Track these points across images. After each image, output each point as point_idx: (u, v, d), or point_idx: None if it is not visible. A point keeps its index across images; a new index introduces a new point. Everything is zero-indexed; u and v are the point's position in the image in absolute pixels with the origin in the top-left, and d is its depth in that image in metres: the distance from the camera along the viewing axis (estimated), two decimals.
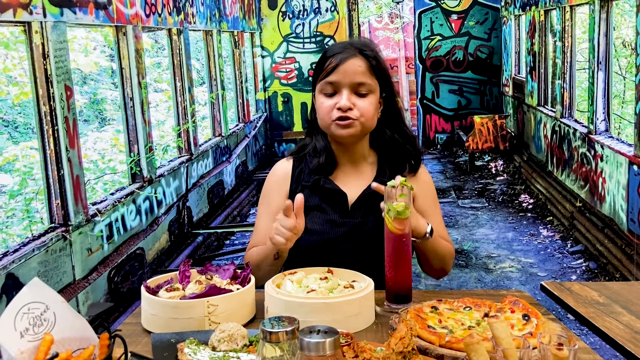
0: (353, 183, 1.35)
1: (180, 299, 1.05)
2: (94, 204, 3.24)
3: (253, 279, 1.15)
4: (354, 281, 1.12)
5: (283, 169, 1.41)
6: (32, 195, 3.40)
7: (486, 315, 1.03)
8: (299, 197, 1.18)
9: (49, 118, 2.84)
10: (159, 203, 4.03)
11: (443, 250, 1.30)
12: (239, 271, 1.17)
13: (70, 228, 2.86)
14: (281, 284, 1.11)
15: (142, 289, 1.08)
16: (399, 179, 1.13)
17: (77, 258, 2.90)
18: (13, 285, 2.45)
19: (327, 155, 1.35)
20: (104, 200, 3.37)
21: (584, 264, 3.99)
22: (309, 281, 1.13)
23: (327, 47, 1.42)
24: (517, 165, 6.74)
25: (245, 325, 1.04)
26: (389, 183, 1.12)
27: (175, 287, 1.11)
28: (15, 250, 2.55)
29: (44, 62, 2.80)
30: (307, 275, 1.14)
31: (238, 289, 1.09)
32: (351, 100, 1.26)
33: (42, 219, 3.27)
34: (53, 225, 2.84)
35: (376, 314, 1.11)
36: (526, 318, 0.99)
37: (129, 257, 3.44)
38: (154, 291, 1.10)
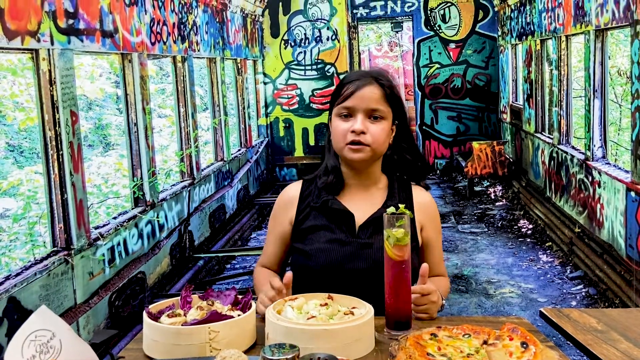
0: (362, 205, 1.38)
1: (182, 325, 1.05)
2: (96, 227, 3.25)
3: (254, 305, 1.16)
4: (353, 308, 1.12)
5: (291, 192, 1.45)
6: (36, 219, 3.42)
7: (485, 342, 1.03)
8: (289, 274, 1.23)
9: (54, 143, 2.88)
10: (161, 227, 4.04)
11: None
12: (240, 297, 1.18)
13: (73, 252, 2.87)
14: (282, 310, 1.11)
15: (144, 314, 1.08)
16: (393, 209, 1.15)
17: (78, 282, 2.90)
18: (15, 309, 2.44)
19: (336, 174, 1.39)
20: (107, 224, 3.38)
21: (583, 290, 3.97)
22: (309, 307, 1.13)
23: (343, 75, 1.42)
24: (515, 191, 6.77)
25: (246, 352, 1.05)
26: (388, 210, 1.14)
27: (176, 312, 1.11)
28: (18, 274, 2.55)
29: (51, 88, 2.85)
30: (308, 301, 1.15)
31: (239, 315, 1.10)
32: (365, 124, 1.32)
33: (44, 242, 3.27)
34: (55, 249, 2.85)
35: (376, 340, 1.11)
36: (524, 346, 0.99)
37: (130, 280, 3.43)
38: (155, 317, 1.11)
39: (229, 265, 4.99)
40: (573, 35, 4.94)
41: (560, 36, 5.12)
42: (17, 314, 2.45)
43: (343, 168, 1.40)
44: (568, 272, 4.34)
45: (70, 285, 2.84)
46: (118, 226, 3.38)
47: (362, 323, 1.05)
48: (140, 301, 3.47)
